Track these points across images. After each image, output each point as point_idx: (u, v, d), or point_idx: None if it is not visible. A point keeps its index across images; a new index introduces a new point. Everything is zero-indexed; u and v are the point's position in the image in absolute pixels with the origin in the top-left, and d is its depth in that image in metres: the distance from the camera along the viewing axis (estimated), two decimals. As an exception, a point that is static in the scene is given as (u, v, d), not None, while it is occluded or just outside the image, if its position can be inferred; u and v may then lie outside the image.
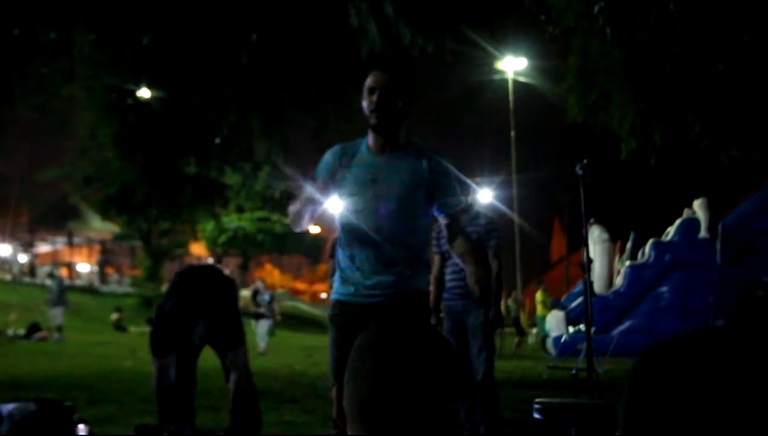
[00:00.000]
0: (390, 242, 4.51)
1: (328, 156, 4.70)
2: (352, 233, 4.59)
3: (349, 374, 1.91)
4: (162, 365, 6.46)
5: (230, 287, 7.28)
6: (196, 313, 6.47)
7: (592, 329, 17.33)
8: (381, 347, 1.87)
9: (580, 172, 6.26)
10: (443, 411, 1.84)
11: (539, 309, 26.80)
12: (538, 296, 27.01)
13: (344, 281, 4.63)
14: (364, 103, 4.47)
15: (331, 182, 4.60)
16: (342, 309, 4.60)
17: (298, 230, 4.86)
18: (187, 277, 7.25)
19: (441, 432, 1.84)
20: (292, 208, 4.66)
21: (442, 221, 4.73)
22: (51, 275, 28.91)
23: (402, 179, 4.51)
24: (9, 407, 6.37)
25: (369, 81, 4.49)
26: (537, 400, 5.72)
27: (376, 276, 4.53)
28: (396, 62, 5.67)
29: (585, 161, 6.25)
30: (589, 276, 6.20)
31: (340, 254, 4.68)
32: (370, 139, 4.60)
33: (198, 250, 50.95)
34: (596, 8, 11.91)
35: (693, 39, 11.61)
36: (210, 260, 54.02)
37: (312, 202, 4.53)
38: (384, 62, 4.90)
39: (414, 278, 4.59)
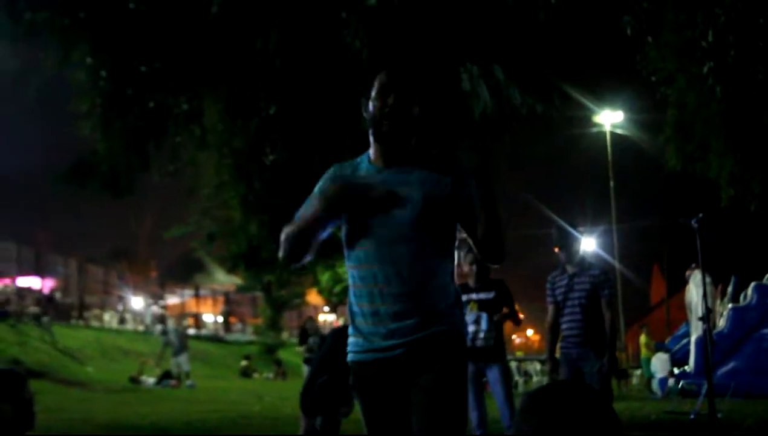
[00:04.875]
0: (405, 276, 3.52)
1: (323, 180, 3.82)
2: (358, 269, 3.65)
3: (514, 433, 1.90)
4: (309, 425, 6.31)
5: None
6: (349, 389, 6.17)
7: (693, 368, 16.93)
8: (542, 408, 1.86)
9: (696, 225, 6.21)
10: None
11: (643, 351, 26.44)
12: (642, 338, 26.65)
13: (356, 332, 3.68)
14: (371, 107, 3.64)
15: (327, 212, 3.65)
16: (360, 374, 3.67)
17: (294, 260, 3.79)
18: (341, 346, 6.48)
19: None
20: (287, 230, 3.70)
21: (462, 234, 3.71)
22: (164, 332, 29.22)
23: (415, 196, 3.55)
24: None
25: (382, 80, 3.65)
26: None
27: (391, 322, 3.53)
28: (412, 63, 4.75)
29: (701, 215, 6.19)
30: (709, 324, 6.11)
31: (351, 297, 3.71)
32: (374, 152, 3.72)
33: (314, 299, 51.21)
34: (705, 69, 11.85)
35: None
36: (326, 309, 54.36)
37: (314, 222, 3.66)
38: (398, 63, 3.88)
39: (439, 316, 3.57)
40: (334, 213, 3.66)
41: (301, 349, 18.76)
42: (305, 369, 18.09)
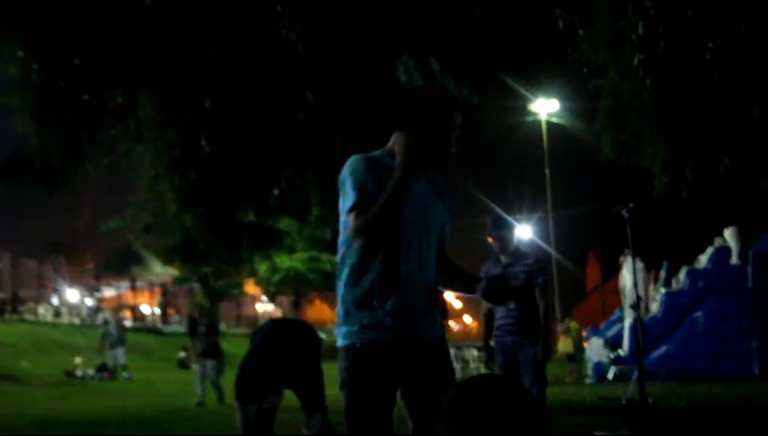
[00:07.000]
0: (424, 280, 3.67)
1: (355, 165, 3.63)
2: (384, 261, 3.58)
3: (437, 433, 1.91)
4: (244, 415, 6.41)
5: (316, 350, 6.98)
6: (278, 380, 6.37)
7: (627, 352, 17.21)
8: (463, 408, 1.86)
9: (626, 215, 6.31)
10: None
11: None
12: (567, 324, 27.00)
13: (370, 322, 3.59)
14: (452, 130, 3.70)
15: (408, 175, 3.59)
16: (366, 357, 3.57)
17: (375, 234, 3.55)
18: (273, 337, 6.86)
19: None
20: (368, 215, 3.48)
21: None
22: (105, 322, 28.81)
23: (435, 206, 3.76)
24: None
25: (458, 118, 3.74)
26: (596, 433, 5.74)
27: (411, 318, 3.60)
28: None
29: (631, 205, 6.29)
30: (640, 312, 6.24)
31: (366, 286, 3.61)
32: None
33: (252, 289, 51.06)
34: (636, 60, 12.05)
35: (730, 86, 11.69)
36: (264, 299, 54.22)
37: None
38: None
39: (437, 320, 3.76)
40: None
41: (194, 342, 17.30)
42: (196, 368, 17.22)
